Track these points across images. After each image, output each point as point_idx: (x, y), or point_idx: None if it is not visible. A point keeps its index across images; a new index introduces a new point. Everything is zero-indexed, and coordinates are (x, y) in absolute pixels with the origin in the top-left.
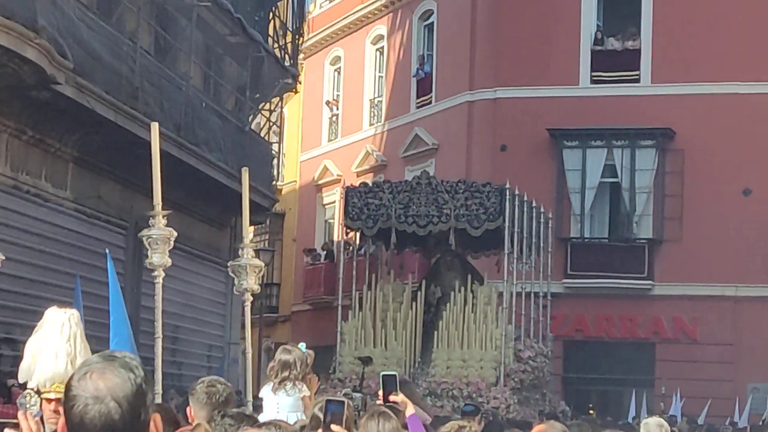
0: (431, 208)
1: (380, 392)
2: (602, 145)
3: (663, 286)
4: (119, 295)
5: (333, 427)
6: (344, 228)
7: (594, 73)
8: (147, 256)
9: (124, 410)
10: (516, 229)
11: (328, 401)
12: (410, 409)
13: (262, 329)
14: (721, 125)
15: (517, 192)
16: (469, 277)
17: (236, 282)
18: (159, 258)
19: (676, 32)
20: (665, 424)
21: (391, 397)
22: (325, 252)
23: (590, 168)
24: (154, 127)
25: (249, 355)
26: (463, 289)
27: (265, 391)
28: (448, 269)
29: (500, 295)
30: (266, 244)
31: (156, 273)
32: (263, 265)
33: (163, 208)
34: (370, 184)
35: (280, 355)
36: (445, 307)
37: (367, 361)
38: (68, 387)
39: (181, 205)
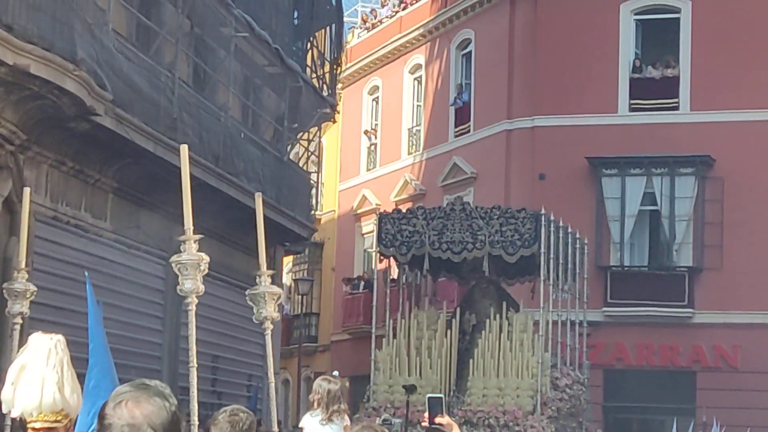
0: (465, 234)
1: (426, 414)
2: (641, 173)
3: (703, 314)
4: (99, 321)
5: None
6: (378, 255)
7: (632, 101)
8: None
9: None
10: (552, 256)
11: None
12: (456, 431)
13: (302, 359)
14: (761, 152)
15: (552, 218)
16: (505, 304)
17: (255, 311)
18: (191, 284)
19: (715, 59)
20: None
21: (437, 419)
22: (364, 281)
23: (629, 196)
24: (184, 149)
25: (272, 385)
26: (498, 316)
27: (310, 422)
28: (483, 296)
29: (536, 322)
30: (305, 274)
31: (189, 300)
32: (281, 292)
33: (204, 238)
34: (404, 211)
35: (328, 386)
36: (480, 334)
37: (411, 389)
38: (102, 416)
39: (220, 235)
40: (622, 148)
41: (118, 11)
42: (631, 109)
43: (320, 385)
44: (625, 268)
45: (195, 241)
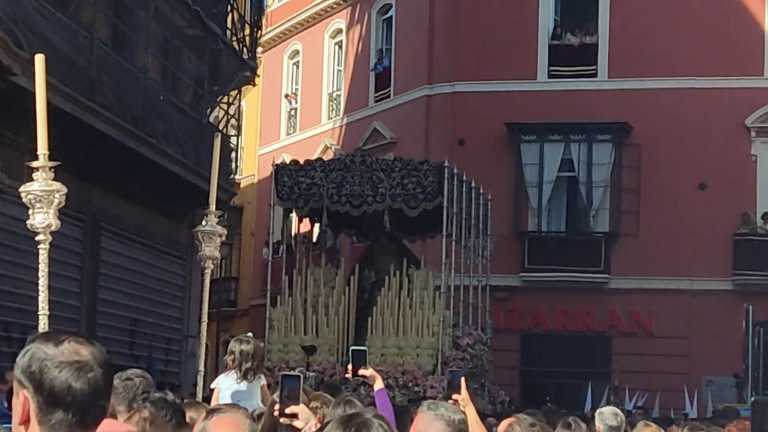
0: (366, 187)
1: (350, 366)
2: (560, 140)
3: (619, 279)
4: None
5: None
6: (273, 207)
7: (552, 68)
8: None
9: (106, 377)
10: (455, 210)
11: (283, 376)
12: (379, 384)
13: (220, 323)
14: (678, 120)
15: (456, 171)
16: (405, 260)
17: (200, 248)
18: (41, 218)
19: (633, 27)
20: (620, 413)
21: (361, 371)
22: (284, 246)
23: (548, 162)
24: (39, 59)
25: (204, 325)
26: (398, 273)
27: (226, 381)
28: (382, 253)
29: (440, 290)
30: (224, 238)
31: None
32: (225, 231)
33: (122, 201)
34: (301, 162)
35: (241, 346)
36: (380, 292)
37: (310, 350)
38: (43, 356)
39: (139, 198)
40: (540, 114)
41: None
42: (550, 76)
43: (234, 345)
44: (543, 234)
45: (50, 169)
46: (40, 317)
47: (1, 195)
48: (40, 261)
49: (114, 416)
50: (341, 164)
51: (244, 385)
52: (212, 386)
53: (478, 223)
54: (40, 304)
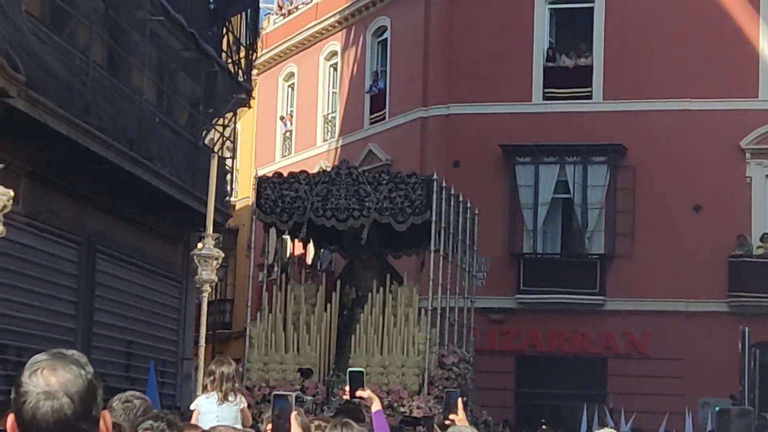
0: (352, 200)
1: (347, 388)
2: (554, 162)
3: (615, 301)
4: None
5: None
6: (257, 222)
7: (546, 90)
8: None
9: (76, 405)
10: (443, 225)
11: (275, 396)
12: (376, 405)
13: (216, 345)
14: (672, 142)
15: (444, 184)
16: (388, 276)
17: (198, 272)
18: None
19: (627, 49)
20: None
21: (359, 393)
22: (279, 268)
23: (543, 184)
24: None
25: (202, 348)
26: (381, 289)
27: (205, 403)
28: (363, 268)
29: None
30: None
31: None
32: (223, 255)
33: (118, 223)
34: (285, 175)
35: (221, 368)
36: (362, 309)
37: (307, 373)
38: (18, 384)
39: (134, 220)
40: (535, 136)
41: None
42: (545, 98)
43: (213, 367)
44: (538, 256)
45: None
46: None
47: None
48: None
49: None
50: (326, 177)
51: (224, 407)
52: (192, 407)
53: (465, 239)
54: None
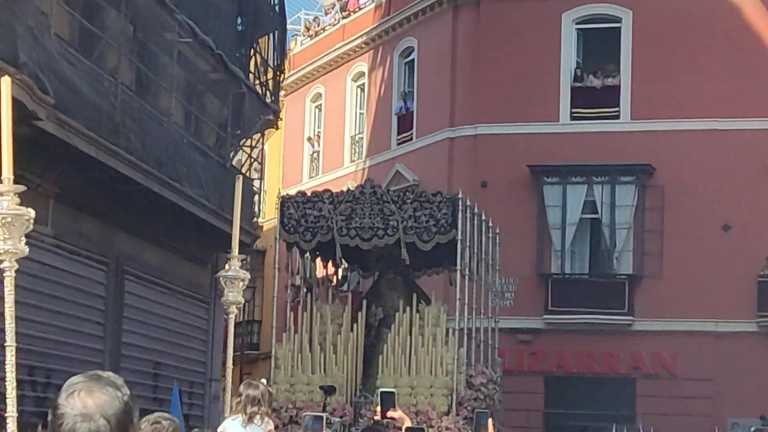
0: (376, 219)
1: (378, 408)
2: (582, 182)
3: (643, 321)
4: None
5: None
6: (281, 241)
7: (574, 110)
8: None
9: (113, 427)
10: (468, 244)
11: (311, 417)
12: (407, 424)
13: (243, 366)
14: (700, 161)
15: (468, 203)
16: (415, 296)
17: (224, 293)
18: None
19: (655, 69)
20: None
21: (390, 414)
22: (307, 288)
23: (570, 204)
24: (5, 82)
25: (230, 370)
26: (408, 309)
27: (231, 425)
28: (389, 288)
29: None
30: (247, 282)
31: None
32: (248, 276)
33: (146, 244)
34: (309, 194)
35: (247, 390)
36: (389, 329)
37: (330, 390)
38: (55, 406)
39: (162, 242)
40: (563, 156)
41: (60, 15)
42: (573, 118)
43: (242, 389)
44: (566, 276)
45: (15, 194)
46: (7, 350)
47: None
48: (5, 292)
49: None
50: (350, 196)
51: (249, 429)
52: (219, 430)
53: (487, 258)
54: (8, 337)
